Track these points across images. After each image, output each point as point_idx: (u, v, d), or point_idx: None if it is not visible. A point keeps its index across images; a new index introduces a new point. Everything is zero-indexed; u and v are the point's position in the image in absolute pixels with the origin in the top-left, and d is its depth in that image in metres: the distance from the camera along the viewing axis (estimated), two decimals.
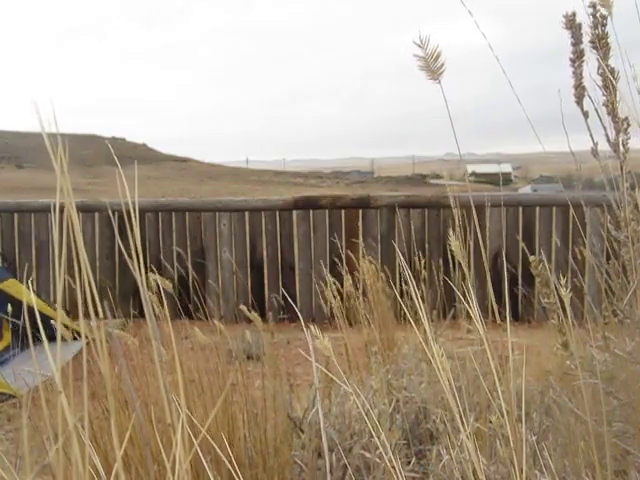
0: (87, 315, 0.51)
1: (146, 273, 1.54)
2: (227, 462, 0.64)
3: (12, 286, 3.97)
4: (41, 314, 0.72)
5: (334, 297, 2.78)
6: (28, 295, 3.53)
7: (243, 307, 1.94)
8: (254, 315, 1.83)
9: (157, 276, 1.54)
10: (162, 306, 1.51)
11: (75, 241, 0.46)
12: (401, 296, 1.27)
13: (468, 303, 0.76)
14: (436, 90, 0.83)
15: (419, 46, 0.75)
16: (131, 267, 0.51)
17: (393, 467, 0.67)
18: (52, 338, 0.56)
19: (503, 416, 0.74)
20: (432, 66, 0.77)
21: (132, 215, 0.50)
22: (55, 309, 3.87)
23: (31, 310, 0.70)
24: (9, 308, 2.63)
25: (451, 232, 0.99)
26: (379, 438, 0.75)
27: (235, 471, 0.62)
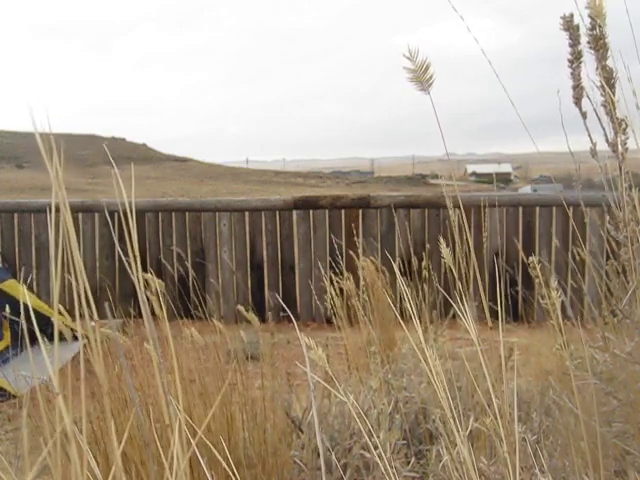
0: (84, 316, 0.51)
1: (145, 272, 1.54)
2: (224, 462, 0.64)
3: (12, 286, 3.97)
4: (41, 314, 0.72)
5: (334, 297, 2.78)
6: (28, 296, 3.53)
7: (240, 307, 1.94)
8: (251, 315, 1.83)
9: (152, 277, 1.54)
10: (161, 307, 1.52)
11: (70, 242, 0.46)
12: (400, 296, 1.27)
13: (464, 306, 0.76)
14: (439, 90, 0.82)
15: (409, 58, 0.75)
16: (128, 269, 0.50)
17: (392, 467, 0.67)
18: (54, 337, 0.56)
19: (497, 418, 0.74)
20: (421, 78, 0.77)
21: (129, 217, 0.50)
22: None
23: (30, 311, 0.70)
24: (7, 308, 2.64)
25: (448, 234, 0.99)
26: (376, 438, 0.75)
27: (232, 471, 0.62)
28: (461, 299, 0.83)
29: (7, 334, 3.88)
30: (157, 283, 1.46)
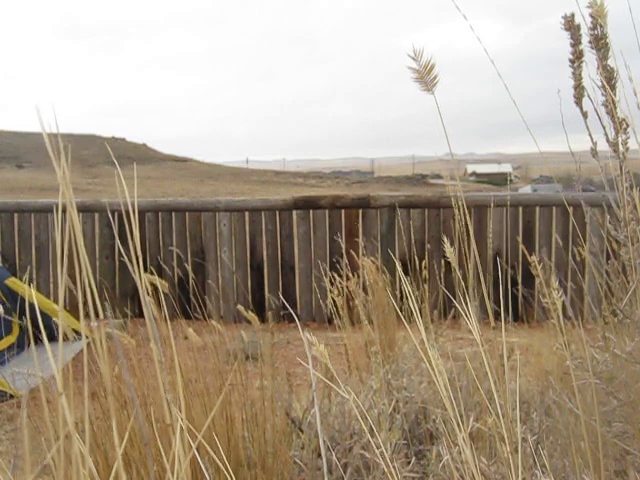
0: (87, 315, 0.51)
1: (145, 272, 1.53)
2: (220, 463, 0.64)
3: (16, 283, 3.99)
4: (43, 314, 0.72)
5: (334, 297, 2.78)
6: (31, 293, 3.53)
7: (240, 307, 1.94)
8: (251, 315, 1.83)
9: (154, 277, 1.54)
10: (161, 307, 1.52)
11: (76, 242, 0.46)
12: (401, 296, 1.27)
13: (466, 305, 0.76)
14: (440, 90, 0.83)
15: (413, 58, 0.75)
16: (130, 269, 0.51)
17: (394, 467, 0.67)
18: (53, 337, 0.56)
19: (499, 418, 0.74)
20: (425, 78, 0.76)
21: (132, 217, 0.50)
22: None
23: (33, 309, 0.70)
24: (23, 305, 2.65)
25: (449, 234, 1.00)
26: (378, 438, 0.75)
27: (229, 472, 0.62)
28: (464, 299, 0.83)
29: (16, 328, 3.88)
30: (160, 284, 1.46)
